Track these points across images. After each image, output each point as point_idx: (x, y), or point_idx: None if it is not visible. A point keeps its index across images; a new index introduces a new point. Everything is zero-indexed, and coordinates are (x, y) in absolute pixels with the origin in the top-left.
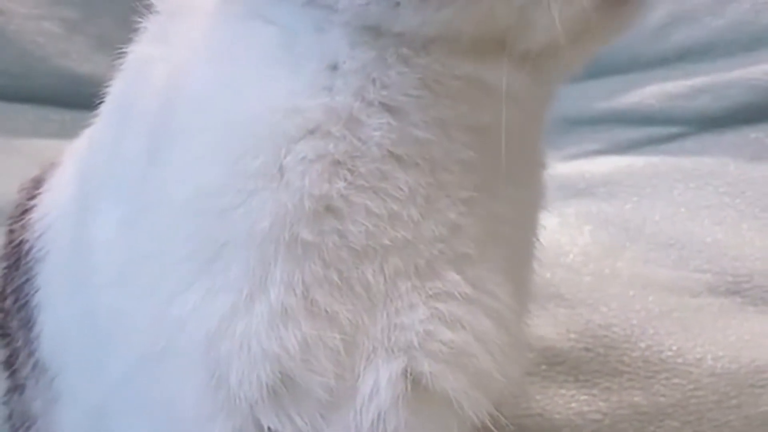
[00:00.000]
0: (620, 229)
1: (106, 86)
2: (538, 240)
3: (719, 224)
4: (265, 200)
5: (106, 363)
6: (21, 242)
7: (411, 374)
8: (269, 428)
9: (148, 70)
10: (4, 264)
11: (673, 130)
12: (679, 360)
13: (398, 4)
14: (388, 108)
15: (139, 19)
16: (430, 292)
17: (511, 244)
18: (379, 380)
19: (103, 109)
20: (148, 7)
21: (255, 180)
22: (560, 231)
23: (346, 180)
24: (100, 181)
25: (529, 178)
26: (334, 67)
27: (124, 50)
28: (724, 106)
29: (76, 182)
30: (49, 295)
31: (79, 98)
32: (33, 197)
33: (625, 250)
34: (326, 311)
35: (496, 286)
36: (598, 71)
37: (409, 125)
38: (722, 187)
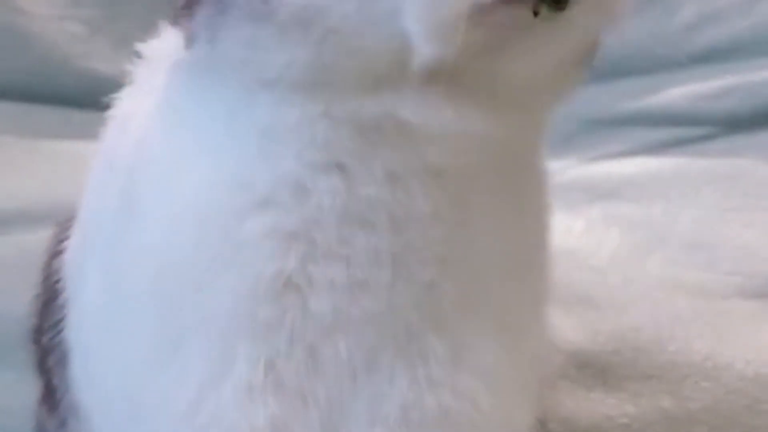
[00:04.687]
0: (648, 231)
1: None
2: (544, 254)
3: (748, 226)
4: (221, 280)
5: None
6: (58, 280)
7: None
8: None
9: (127, 123)
10: (43, 299)
11: (701, 131)
12: (709, 364)
13: (266, 47)
14: (331, 168)
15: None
16: (410, 360)
17: (502, 280)
18: None
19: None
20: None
21: (209, 260)
22: (587, 233)
23: (302, 252)
24: (89, 238)
25: (518, 201)
26: (272, 131)
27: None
28: (753, 106)
29: (79, 228)
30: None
31: (100, 99)
32: (68, 228)
33: (653, 252)
34: (295, 388)
35: (482, 340)
36: (624, 72)
37: (357, 184)
38: (751, 189)
